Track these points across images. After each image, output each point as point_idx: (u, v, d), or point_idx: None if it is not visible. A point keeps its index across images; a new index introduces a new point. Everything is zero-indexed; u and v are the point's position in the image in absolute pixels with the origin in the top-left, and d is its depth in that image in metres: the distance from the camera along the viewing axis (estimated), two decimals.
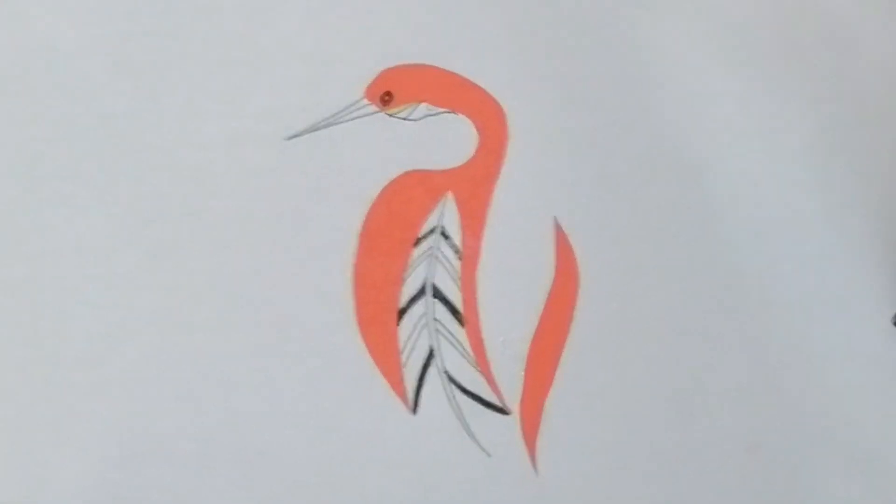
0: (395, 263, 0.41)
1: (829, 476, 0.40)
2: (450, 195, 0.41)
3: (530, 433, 0.40)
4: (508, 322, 0.41)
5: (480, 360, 0.41)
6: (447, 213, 0.41)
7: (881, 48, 0.40)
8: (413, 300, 0.41)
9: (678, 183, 0.41)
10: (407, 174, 0.41)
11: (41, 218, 0.41)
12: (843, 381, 0.39)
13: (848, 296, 0.40)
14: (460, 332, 0.41)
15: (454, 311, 0.41)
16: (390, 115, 0.41)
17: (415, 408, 0.41)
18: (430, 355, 0.41)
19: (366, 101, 0.41)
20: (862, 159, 0.40)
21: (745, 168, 0.40)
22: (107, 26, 0.41)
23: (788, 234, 0.40)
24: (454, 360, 0.41)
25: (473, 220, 0.41)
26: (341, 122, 0.41)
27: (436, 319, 0.41)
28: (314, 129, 0.41)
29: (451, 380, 0.41)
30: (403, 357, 0.41)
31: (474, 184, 0.41)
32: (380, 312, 0.41)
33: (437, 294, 0.41)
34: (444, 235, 0.41)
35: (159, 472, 0.41)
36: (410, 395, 0.41)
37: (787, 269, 0.40)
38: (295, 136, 0.41)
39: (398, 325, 0.41)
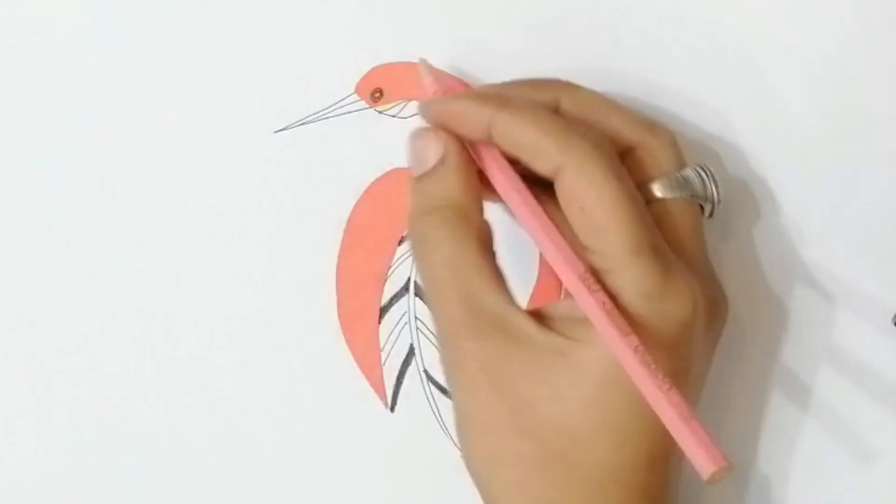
0: (379, 260, 0.41)
1: (821, 478, 0.39)
2: None
3: None
4: None
5: None
6: None
7: (878, 52, 0.40)
8: (395, 298, 0.41)
9: None
10: (394, 171, 0.41)
11: (24, 204, 0.42)
12: (842, 381, 0.39)
13: (848, 296, 0.39)
14: None
15: None
16: (380, 112, 0.41)
17: (393, 406, 0.41)
18: (410, 354, 0.41)
19: (356, 97, 0.41)
20: (860, 160, 0.40)
21: (738, 169, 0.40)
22: (98, 15, 0.41)
23: (787, 234, 0.40)
24: (434, 359, 0.40)
25: None
26: (330, 117, 0.41)
27: (417, 318, 0.41)
28: (303, 123, 0.41)
29: (431, 379, 0.41)
30: (383, 355, 0.41)
31: None
32: (361, 309, 0.41)
33: (420, 293, 0.41)
34: None
35: (135, 461, 0.41)
36: (389, 393, 0.41)
37: (785, 270, 0.40)
38: (283, 129, 0.41)
39: (379, 322, 0.41)
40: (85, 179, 0.42)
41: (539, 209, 0.33)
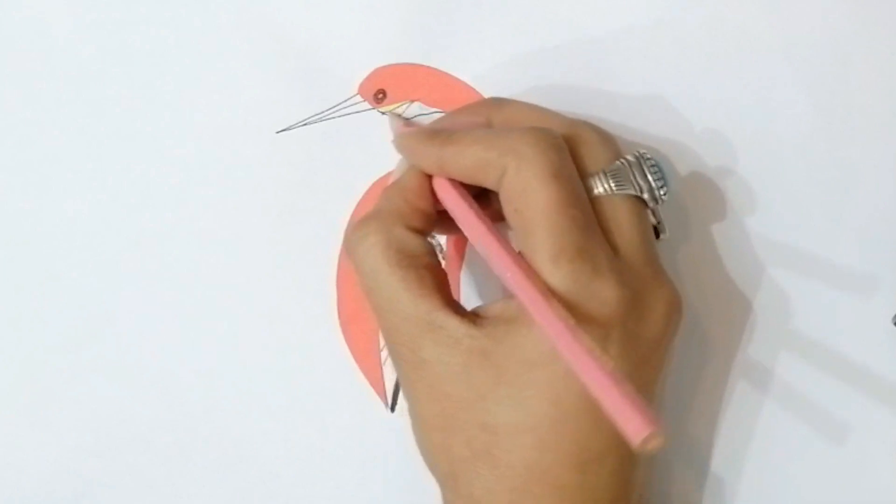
0: None
1: (821, 479, 0.39)
2: None
3: None
4: None
5: None
6: None
7: (879, 49, 0.40)
8: None
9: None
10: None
11: (26, 202, 0.42)
12: (842, 381, 0.39)
13: (848, 296, 0.39)
14: None
15: None
16: (382, 113, 0.41)
17: (393, 406, 0.41)
18: None
19: (359, 98, 0.41)
20: (861, 159, 0.40)
21: (738, 169, 0.40)
22: (102, 13, 0.41)
23: (786, 234, 0.40)
24: None
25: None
26: (333, 118, 0.41)
27: None
28: (305, 123, 0.41)
29: None
30: (383, 355, 0.41)
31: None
32: (361, 309, 0.41)
33: None
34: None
35: (135, 461, 0.41)
36: (389, 393, 0.41)
37: (785, 270, 0.40)
38: (286, 129, 0.41)
39: None
40: (86, 179, 0.41)
41: (476, 219, 0.34)
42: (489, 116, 0.37)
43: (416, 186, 0.36)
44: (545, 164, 0.32)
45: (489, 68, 0.41)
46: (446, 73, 0.41)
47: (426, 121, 0.41)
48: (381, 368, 0.41)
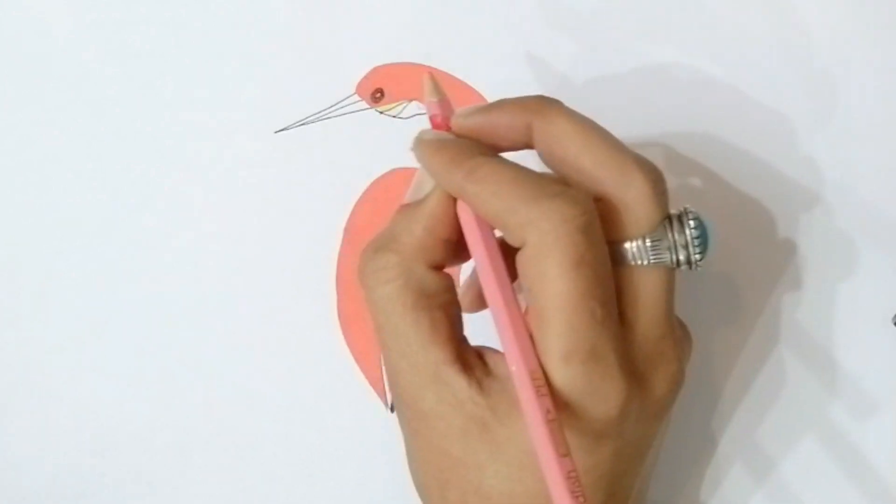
0: None
1: (820, 478, 0.39)
2: None
3: None
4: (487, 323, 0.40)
5: None
6: None
7: (879, 49, 0.40)
8: None
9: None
10: (394, 172, 0.41)
11: (25, 200, 0.42)
12: (842, 381, 0.39)
13: (848, 296, 0.39)
14: None
15: None
16: (380, 112, 0.41)
17: (393, 406, 0.41)
18: None
19: (356, 98, 0.41)
20: (861, 158, 0.40)
21: (737, 168, 0.40)
22: (101, 13, 0.42)
23: (786, 233, 0.40)
24: None
25: None
26: (331, 118, 0.41)
27: None
28: (303, 123, 0.41)
29: None
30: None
31: None
32: (361, 309, 0.41)
33: None
34: None
35: (135, 461, 0.41)
36: (389, 393, 0.41)
37: (784, 270, 0.40)
38: (284, 129, 0.41)
39: None
40: (85, 179, 0.42)
41: (495, 282, 0.31)
42: (531, 124, 0.32)
43: (442, 214, 0.32)
44: (567, 251, 0.29)
45: (489, 68, 0.41)
46: (446, 73, 0.41)
47: (424, 120, 0.40)
48: (381, 368, 0.41)
